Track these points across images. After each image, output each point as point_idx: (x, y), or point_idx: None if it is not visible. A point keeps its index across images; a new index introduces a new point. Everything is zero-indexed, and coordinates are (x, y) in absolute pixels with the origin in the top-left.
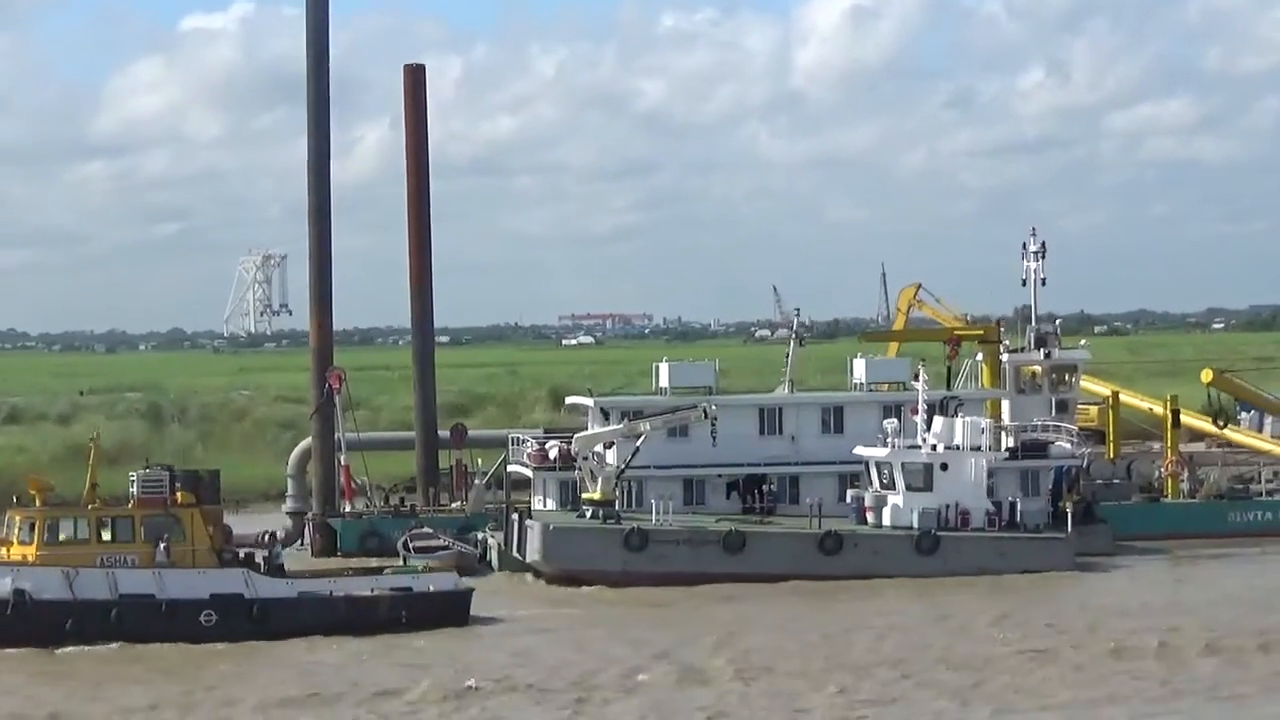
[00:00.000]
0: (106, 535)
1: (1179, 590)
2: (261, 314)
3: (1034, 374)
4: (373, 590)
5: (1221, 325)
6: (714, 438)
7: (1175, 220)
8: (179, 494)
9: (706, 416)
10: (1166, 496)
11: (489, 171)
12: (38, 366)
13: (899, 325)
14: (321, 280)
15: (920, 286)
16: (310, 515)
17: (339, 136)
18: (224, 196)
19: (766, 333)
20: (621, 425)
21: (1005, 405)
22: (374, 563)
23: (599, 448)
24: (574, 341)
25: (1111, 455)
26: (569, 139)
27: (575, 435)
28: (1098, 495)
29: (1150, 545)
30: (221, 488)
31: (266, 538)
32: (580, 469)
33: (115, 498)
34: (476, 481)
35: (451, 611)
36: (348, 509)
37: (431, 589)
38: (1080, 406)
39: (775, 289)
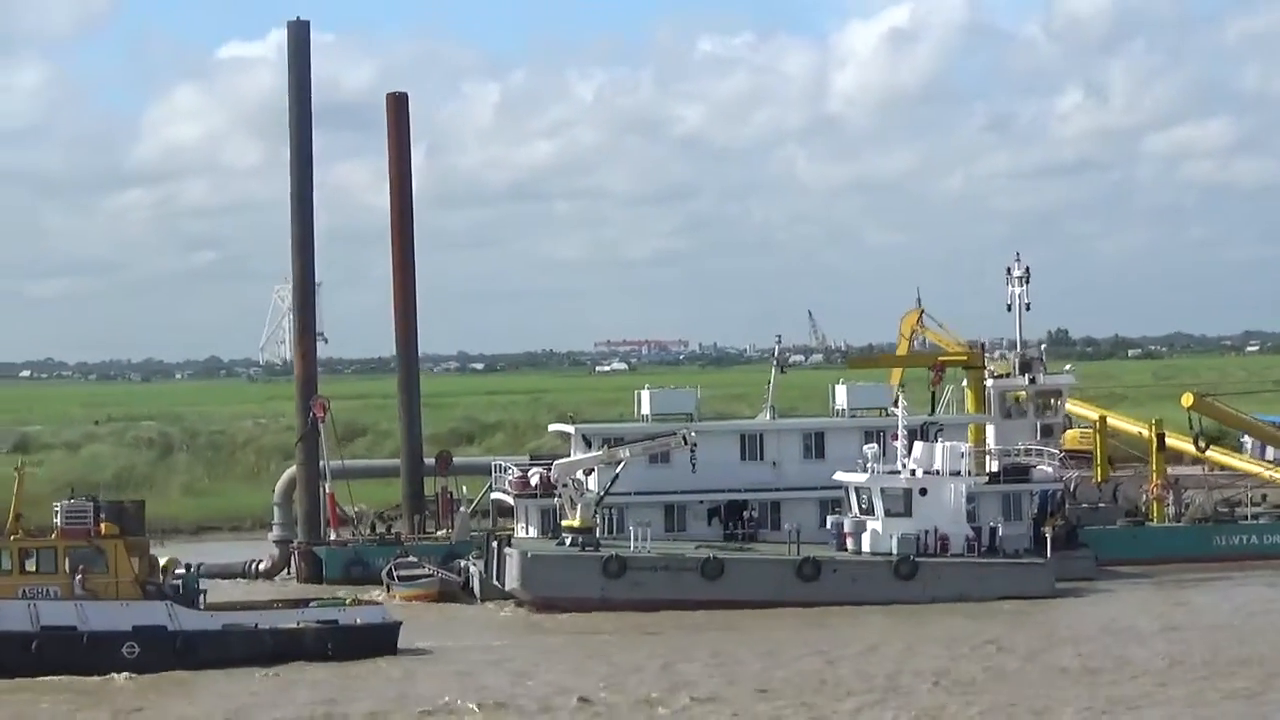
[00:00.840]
0: (30, 566)
1: (1149, 615)
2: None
3: (1018, 399)
4: (298, 623)
5: (1256, 348)
6: (694, 464)
7: (1214, 243)
8: (103, 525)
9: (686, 443)
10: (1152, 520)
11: (527, 197)
12: (69, 396)
13: (901, 350)
14: (304, 311)
15: (923, 312)
16: (295, 544)
17: (377, 164)
18: (261, 224)
19: (800, 358)
20: (600, 452)
21: (990, 430)
22: (340, 592)
23: (579, 474)
24: (607, 368)
25: (1099, 479)
26: (607, 164)
27: (555, 462)
28: (1083, 519)
29: (1134, 570)
30: (229, 515)
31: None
32: (560, 496)
33: (39, 529)
34: (461, 509)
35: (379, 644)
36: (333, 537)
37: (358, 621)
38: (1085, 431)
39: (810, 314)
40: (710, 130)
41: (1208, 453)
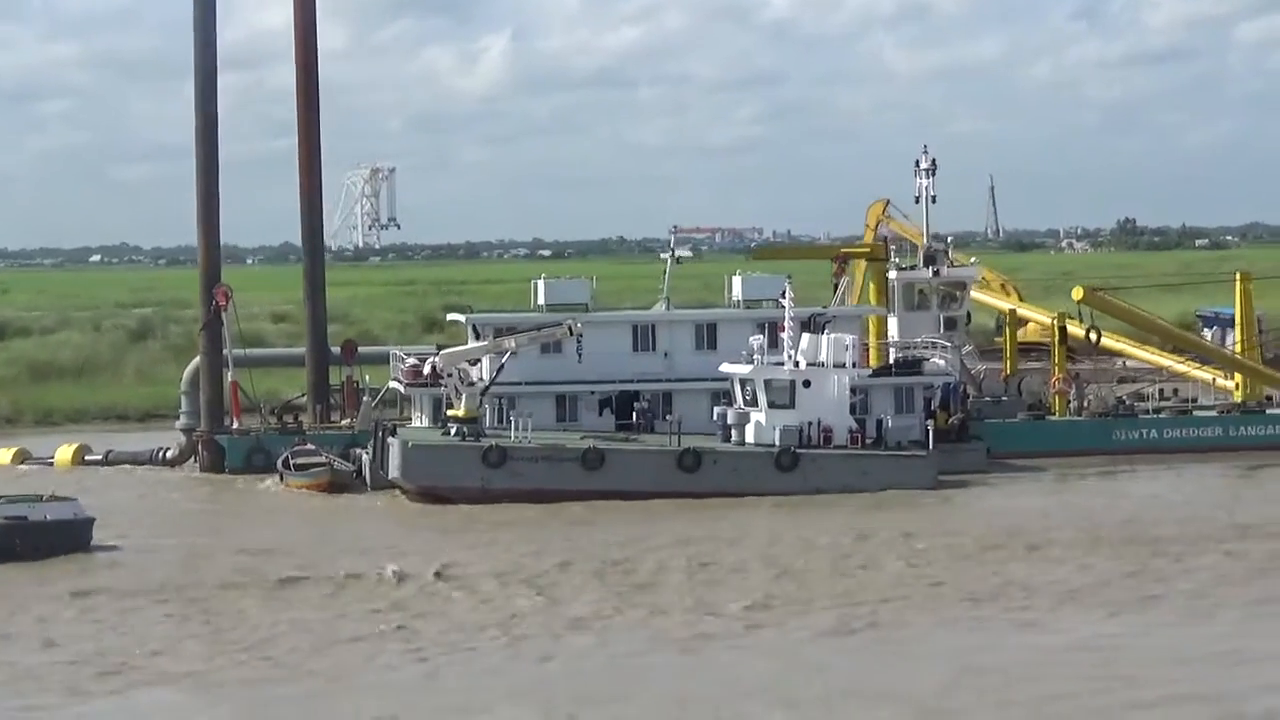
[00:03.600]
0: None
1: (1005, 505)
2: (370, 228)
3: (922, 291)
4: None
5: None
6: (579, 355)
7: None
8: None
9: (572, 334)
10: (1054, 414)
11: (612, 83)
12: (121, 281)
13: (867, 240)
14: (208, 198)
15: (889, 203)
16: (196, 433)
17: (465, 48)
18: (345, 109)
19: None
20: (484, 342)
21: (892, 322)
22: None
23: (465, 364)
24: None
25: (1007, 372)
26: (693, 50)
27: (440, 351)
28: (984, 413)
29: (1029, 463)
30: None
31: None
32: (445, 385)
33: None
34: (364, 399)
35: (71, 541)
36: (235, 426)
37: (48, 518)
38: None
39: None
40: (800, 16)
41: (1100, 343)
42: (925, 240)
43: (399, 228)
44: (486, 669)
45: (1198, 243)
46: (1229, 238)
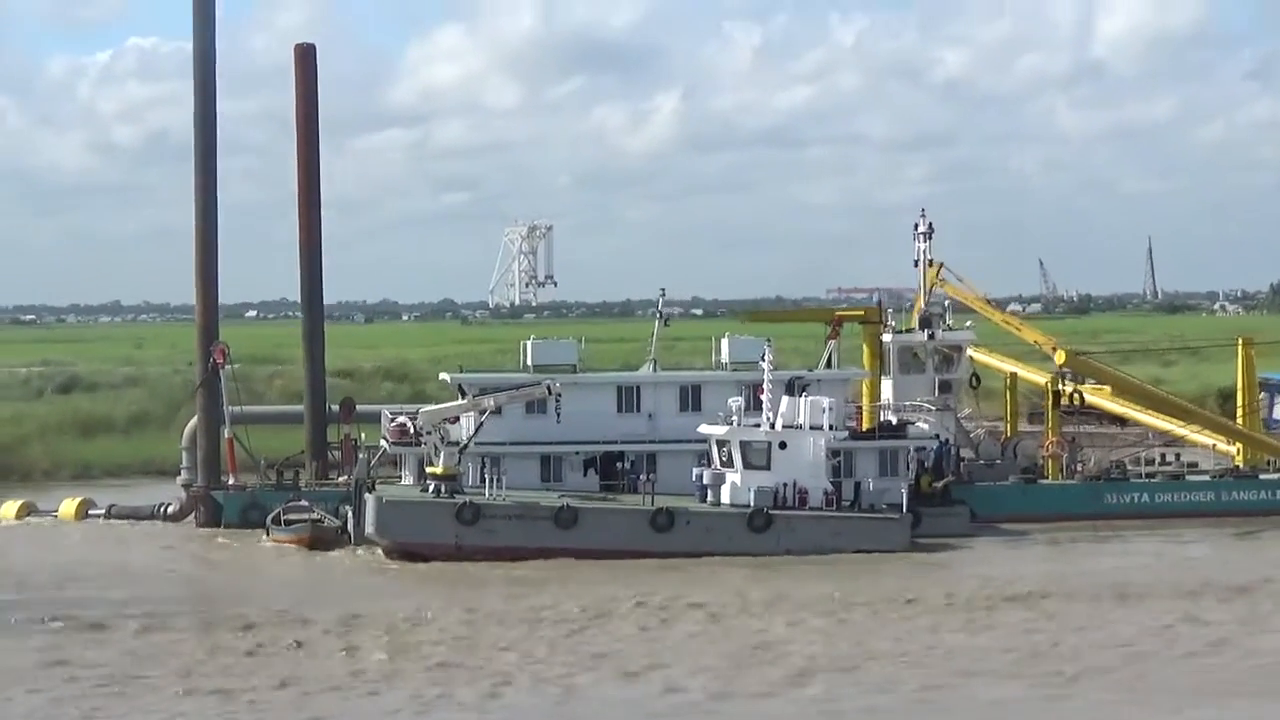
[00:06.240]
0: None
1: (952, 570)
2: (526, 285)
3: (917, 354)
4: None
5: None
6: (558, 415)
7: None
8: None
9: (551, 393)
10: (1046, 478)
11: (782, 143)
12: (263, 338)
13: (920, 305)
14: (206, 255)
15: (943, 266)
16: (193, 488)
17: (636, 106)
18: (515, 166)
19: (1018, 307)
20: (464, 401)
21: (887, 384)
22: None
23: (447, 423)
24: None
25: (1007, 435)
26: (866, 109)
27: (420, 410)
28: (976, 475)
29: (1016, 527)
30: None
31: None
32: (425, 444)
33: None
34: (360, 455)
35: None
36: (231, 481)
37: None
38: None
39: (1041, 262)
40: (972, 76)
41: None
42: (923, 302)
43: (555, 285)
44: None
45: None
46: None
